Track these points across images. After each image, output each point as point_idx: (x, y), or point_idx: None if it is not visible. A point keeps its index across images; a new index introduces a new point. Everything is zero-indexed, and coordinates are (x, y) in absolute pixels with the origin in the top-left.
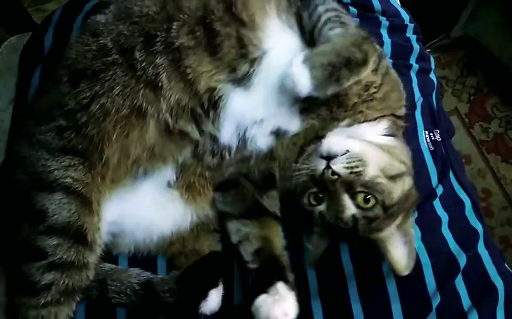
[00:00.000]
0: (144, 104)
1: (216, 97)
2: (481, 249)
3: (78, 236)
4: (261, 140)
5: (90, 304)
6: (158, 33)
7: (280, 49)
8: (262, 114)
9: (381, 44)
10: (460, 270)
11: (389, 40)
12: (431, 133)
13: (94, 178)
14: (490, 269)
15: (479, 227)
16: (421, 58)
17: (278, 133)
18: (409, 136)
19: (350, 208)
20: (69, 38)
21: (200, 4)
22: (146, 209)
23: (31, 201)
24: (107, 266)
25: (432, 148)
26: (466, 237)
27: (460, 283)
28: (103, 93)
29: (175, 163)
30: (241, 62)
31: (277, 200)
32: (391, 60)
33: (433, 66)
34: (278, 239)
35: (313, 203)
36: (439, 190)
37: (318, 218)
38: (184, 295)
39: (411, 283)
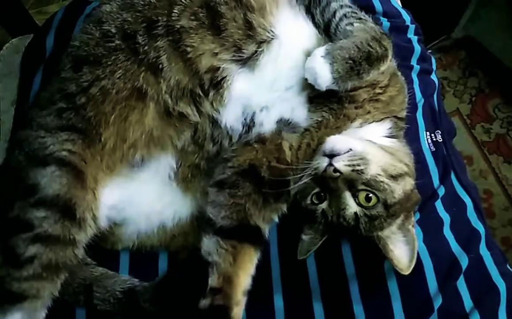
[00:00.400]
0: (144, 86)
1: (219, 78)
2: (483, 250)
3: (66, 210)
4: (268, 126)
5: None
6: (160, 17)
7: (293, 35)
8: (269, 98)
9: None
10: (462, 271)
11: None
12: (432, 134)
13: (93, 155)
14: (492, 270)
15: (480, 228)
16: (422, 59)
17: (287, 123)
18: (411, 137)
19: (352, 206)
20: (70, 40)
21: None
22: (146, 198)
23: (25, 178)
24: (98, 271)
25: (434, 149)
26: (468, 238)
27: (462, 284)
28: (105, 76)
29: (174, 150)
30: (248, 42)
31: (276, 215)
32: None
33: (434, 67)
34: (243, 279)
35: (315, 201)
36: (441, 191)
37: (320, 217)
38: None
39: (413, 284)
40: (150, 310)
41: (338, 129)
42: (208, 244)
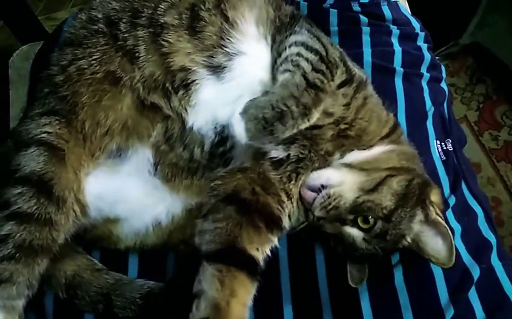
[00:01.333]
0: (118, 71)
1: (189, 80)
2: (495, 261)
3: (42, 185)
4: (242, 148)
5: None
6: (145, 9)
7: (253, 57)
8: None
9: (392, 53)
10: (474, 282)
11: (400, 48)
12: (442, 143)
13: (72, 133)
14: (504, 281)
15: (492, 238)
16: (432, 67)
17: (261, 153)
18: (421, 146)
19: (357, 235)
20: None
21: None
22: (133, 194)
23: (11, 163)
24: (113, 277)
25: (444, 158)
26: (479, 249)
27: (473, 296)
28: (83, 57)
29: (150, 143)
30: (218, 51)
31: (270, 245)
32: (402, 69)
33: (444, 75)
34: (235, 309)
35: (332, 244)
36: (452, 201)
37: (341, 252)
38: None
39: (424, 295)
40: (167, 309)
41: (324, 163)
42: (199, 271)
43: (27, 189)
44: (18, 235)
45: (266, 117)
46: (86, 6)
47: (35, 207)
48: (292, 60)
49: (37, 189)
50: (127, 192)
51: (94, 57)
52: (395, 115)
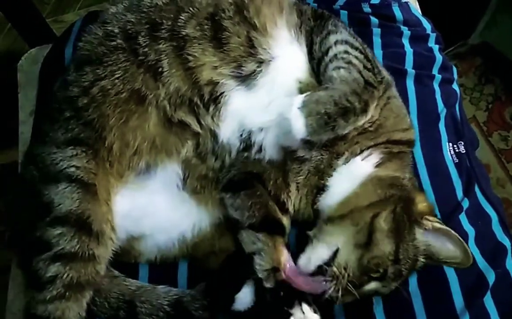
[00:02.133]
0: (143, 89)
1: (218, 93)
2: (510, 265)
3: (81, 225)
4: (270, 151)
5: None
6: (164, 21)
7: (288, 59)
8: (264, 120)
9: (403, 54)
10: (489, 287)
11: (411, 50)
12: (455, 146)
13: (99, 164)
14: None
15: (507, 242)
16: (444, 68)
17: (290, 153)
18: (433, 149)
19: (375, 287)
20: None
21: (211, 1)
22: (160, 209)
23: (40, 196)
24: (133, 284)
25: (457, 161)
26: (494, 253)
27: (489, 301)
28: (105, 76)
29: (178, 159)
30: (248, 60)
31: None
32: (413, 71)
33: (455, 76)
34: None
35: None
36: (465, 204)
37: None
38: (213, 306)
39: (438, 301)
40: (204, 317)
41: (329, 167)
42: (247, 235)
43: (67, 230)
44: (65, 275)
45: (329, 112)
46: (98, 20)
47: (78, 246)
48: (342, 58)
49: (77, 228)
50: (154, 208)
51: (116, 76)
52: None
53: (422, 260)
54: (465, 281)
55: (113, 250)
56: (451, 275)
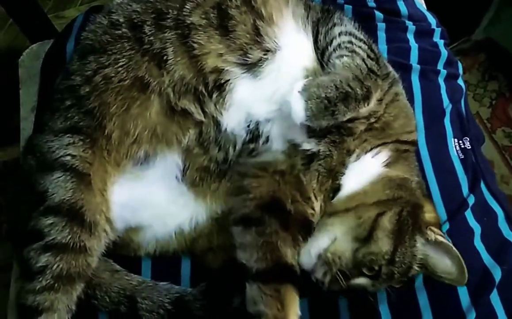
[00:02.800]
0: (146, 77)
1: (223, 81)
2: None
3: (73, 214)
4: (276, 145)
5: (115, 316)
6: (170, 10)
7: (294, 48)
8: (270, 110)
9: (408, 49)
10: (495, 284)
11: (416, 45)
12: (460, 141)
13: (97, 154)
14: None
15: None
16: (449, 63)
17: (296, 147)
18: (439, 145)
19: (365, 283)
20: None
21: None
22: (158, 201)
23: (36, 185)
24: (135, 279)
25: (462, 157)
26: (500, 250)
27: (495, 298)
28: (109, 64)
29: (179, 149)
30: (254, 48)
31: None
32: (418, 66)
33: (461, 71)
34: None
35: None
36: (471, 200)
37: None
38: (214, 306)
39: (444, 298)
40: (204, 317)
41: (341, 165)
42: (251, 292)
43: (58, 219)
44: (56, 266)
45: (329, 97)
46: (103, 10)
47: (69, 237)
48: (346, 47)
49: (69, 218)
50: (151, 198)
51: (120, 64)
52: None
53: (417, 268)
54: (471, 278)
55: (108, 243)
56: None
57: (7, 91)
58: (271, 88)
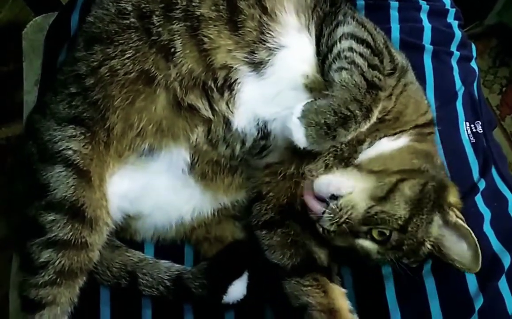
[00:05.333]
0: (153, 70)
1: (232, 80)
2: None
3: (74, 212)
4: (281, 141)
5: (116, 289)
6: (179, 1)
7: (294, 50)
8: (275, 111)
9: (421, 29)
10: (504, 270)
11: (430, 25)
12: (472, 125)
13: (95, 148)
14: None
15: None
16: (463, 45)
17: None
18: (450, 128)
19: (371, 247)
20: None
21: None
22: (161, 192)
23: (37, 175)
24: (135, 255)
25: (474, 141)
26: (510, 236)
27: (503, 285)
28: (115, 56)
29: (187, 144)
30: (259, 47)
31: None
32: (431, 47)
33: (474, 54)
34: (344, 304)
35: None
36: (481, 185)
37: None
38: (212, 287)
39: (451, 283)
40: (203, 295)
41: (353, 153)
42: (290, 288)
43: (60, 216)
44: (58, 262)
45: (328, 123)
46: None
47: (71, 233)
48: (346, 57)
49: (70, 216)
50: (154, 189)
51: (127, 56)
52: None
53: (429, 246)
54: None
55: (109, 234)
56: None
57: (12, 67)
58: (274, 90)
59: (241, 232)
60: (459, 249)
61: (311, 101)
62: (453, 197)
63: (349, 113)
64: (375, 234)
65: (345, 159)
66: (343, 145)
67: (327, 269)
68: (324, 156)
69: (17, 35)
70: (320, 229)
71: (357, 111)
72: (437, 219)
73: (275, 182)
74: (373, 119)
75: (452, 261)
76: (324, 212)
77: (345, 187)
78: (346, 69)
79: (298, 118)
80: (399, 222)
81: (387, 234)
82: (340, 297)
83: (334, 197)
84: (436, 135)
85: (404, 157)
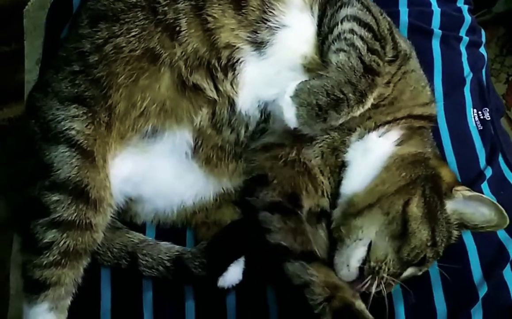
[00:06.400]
0: (158, 48)
1: (235, 59)
2: None
3: (79, 193)
4: (279, 124)
5: (117, 270)
6: None
7: (295, 30)
8: (274, 92)
9: (430, 13)
10: (510, 259)
11: (439, 9)
12: (479, 112)
13: (97, 129)
14: None
15: None
16: (472, 30)
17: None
18: (457, 114)
19: (415, 271)
20: None
21: None
22: (164, 176)
23: (40, 154)
24: (136, 237)
25: (481, 128)
26: None
27: (508, 274)
28: (121, 34)
29: (191, 126)
30: (262, 26)
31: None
32: (440, 32)
33: (483, 39)
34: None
35: None
36: (488, 172)
37: None
38: (212, 267)
39: (456, 271)
40: (202, 274)
41: (343, 141)
42: (294, 268)
43: (64, 197)
44: (62, 242)
45: (320, 104)
46: None
47: (75, 214)
48: (345, 39)
49: (75, 196)
50: (156, 173)
51: (132, 34)
52: (430, 80)
53: (456, 232)
54: (484, 252)
55: (112, 215)
56: (470, 244)
57: (14, 47)
58: (273, 69)
59: (240, 217)
60: (481, 215)
61: (305, 81)
62: (447, 177)
63: (342, 96)
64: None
65: (335, 148)
66: (335, 132)
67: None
68: (319, 143)
69: (19, 14)
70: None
71: (350, 95)
72: (448, 207)
73: (277, 168)
74: (367, 105)
75: (483, 229)
76: (360, 279)
77: (361, 250)
78: (344, 51)
79: (291, 97)
80: (428, 243)
81: (422, 256)
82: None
83: (363, 262)
84: (442, 122)
85: (394, 175)
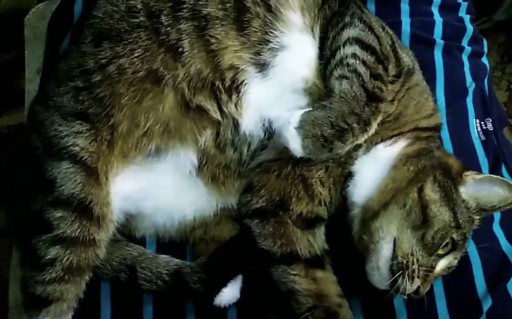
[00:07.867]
0: (161, 69)
1: (239, 81)
2: None
3: (82, 209)
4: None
5: (116, 283)
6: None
7: (296, 51)
8: (277, 113)
9: (432, 23)
10: None
11: (441, 19)
12: (482, 122)
13: (100, 147)
14: None
15: None
16: (474, 40)
17: None
18: (459, 125)
19: (451, 260)
20: None
21: None
22: (165, 193)
23: (42, 169)
24: (135, 249)
25: (484, 138)
26: None
27: None
28: (124, 54)
29: (195, 146)
30: (264, 47)
31: (322, 236)
32: (442, 42)
33: (485, 49)
34: (332, 289)
35: None
36: None
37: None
38: (210, 284)
39: (459, 284)
40: (201, 290)
41: (349, 158)
42: (277, 274)
43: (68, 213)
44: (65, 258)
45: (325, 135)
46: None
47: (79, 230)
48: (348, 64)
49: (78, 213)
50: (157, 191)
51: (135, 55)
52: (433, 90)
53: (477, 217)
54: (489, 264)
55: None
56: (474, 256)
57: (14, 55)
58: (276, 92)
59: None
60: (497, 195)
61: (309, 111)
62: (455, 165)
63: (346, 126)
64: (442, 252)
65: (342, 163)
66: None
67: (318, 257)
68: (325, 161)
69: (19, 22)
70: (405, 295)
71: (354, 125)
72: (463, 191)
73: (266, 178)
74: (372, 131)
75: (500, 209)
76: (393, 281)
77: (387, 249)
78: (347, 78)
79: (295, 128)
80: (452, 224)
81: (449, 241)
82: (330, 283)
83: (391, 259)
84: (444, 133)
85: (402, 171)
